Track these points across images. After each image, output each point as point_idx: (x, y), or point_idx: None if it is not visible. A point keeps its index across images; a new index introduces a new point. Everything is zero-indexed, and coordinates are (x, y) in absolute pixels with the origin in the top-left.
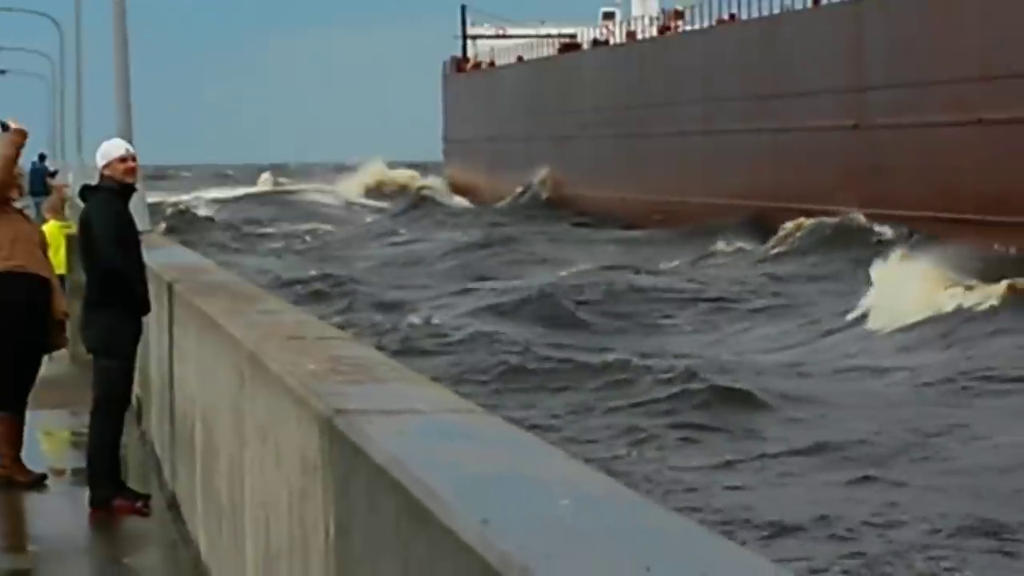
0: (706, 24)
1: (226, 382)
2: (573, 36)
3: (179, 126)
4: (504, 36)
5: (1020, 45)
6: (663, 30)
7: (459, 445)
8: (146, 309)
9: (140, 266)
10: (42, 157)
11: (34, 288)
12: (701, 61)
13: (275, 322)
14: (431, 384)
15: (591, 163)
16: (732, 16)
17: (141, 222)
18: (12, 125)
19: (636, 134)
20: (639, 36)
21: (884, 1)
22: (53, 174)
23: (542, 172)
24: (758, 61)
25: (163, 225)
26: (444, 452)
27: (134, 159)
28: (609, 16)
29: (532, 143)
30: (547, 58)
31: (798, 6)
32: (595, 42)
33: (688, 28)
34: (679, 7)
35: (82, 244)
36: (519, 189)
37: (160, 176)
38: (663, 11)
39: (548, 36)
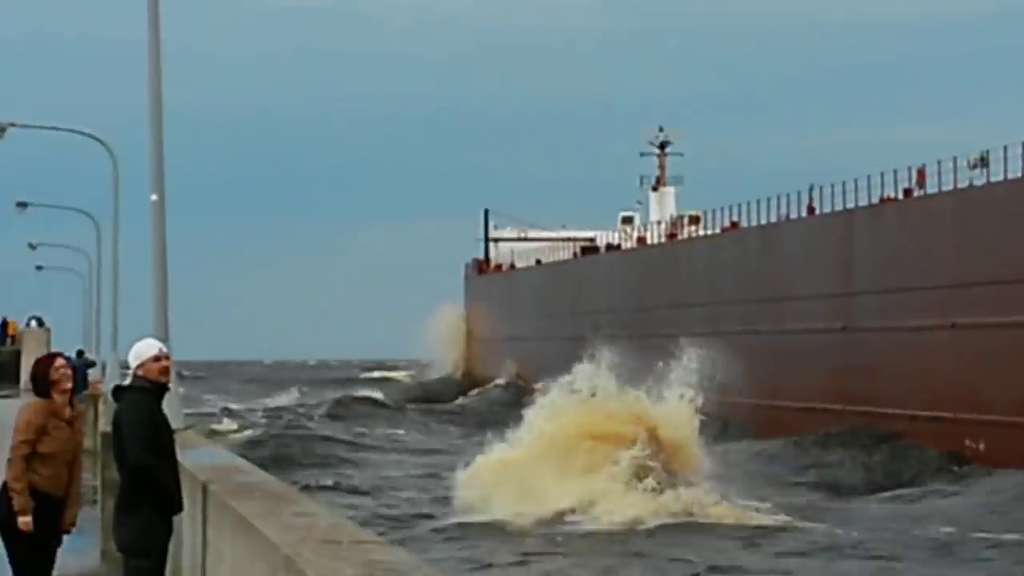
0: (713, 231)
1: None
2: (592, 240)
3: (213, 322)
4: (525, 239)
5: (988, 256)
6: (671, 236)
7: None
8: (178, 509)
9: (173, 465)
10: (80, 353)
11: (45, 506)
12: (705, 266)
13: (310, 524)
14: None
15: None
16: (734, 223)
17: (175, 420)
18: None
19: (644, 335)
20: (649, 241)
21: (873, 211)
22: (93, 364)
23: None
24: (756, 266)
25: None
26: None
27: (168, 358)
28: (628, 220)
29: (547, 343)
30: (562, 261)
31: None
32: (608, 246)
33: (696, 234)
34: (694, 212)
35: (114, 444)
36: None
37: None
38: (680, 216)
39: (568, 240)
